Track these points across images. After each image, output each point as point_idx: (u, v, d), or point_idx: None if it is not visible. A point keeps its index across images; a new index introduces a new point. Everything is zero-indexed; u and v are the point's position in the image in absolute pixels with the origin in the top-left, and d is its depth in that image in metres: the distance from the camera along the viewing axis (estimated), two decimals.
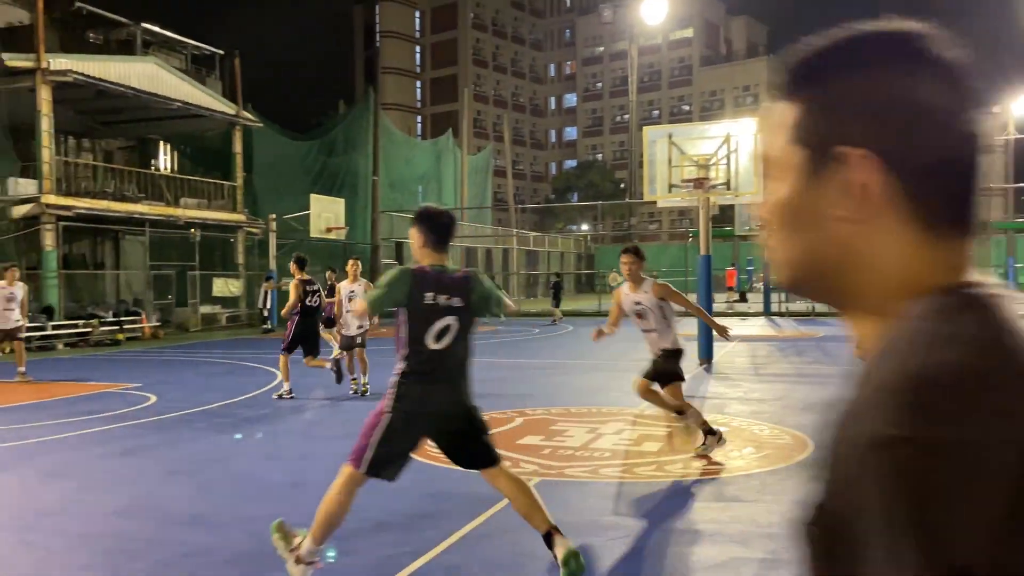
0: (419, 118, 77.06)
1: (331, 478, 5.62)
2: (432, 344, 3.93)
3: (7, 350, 12.53)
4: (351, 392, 10.50)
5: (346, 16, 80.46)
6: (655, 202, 17.68)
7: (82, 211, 21.27)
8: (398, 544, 4.74)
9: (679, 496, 5.75)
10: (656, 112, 75.93)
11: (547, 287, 26.41)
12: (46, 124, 20.42)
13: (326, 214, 25.52)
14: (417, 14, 77.42)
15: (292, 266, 10.60)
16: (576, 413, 9.05)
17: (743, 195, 14.82)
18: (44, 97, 20.31)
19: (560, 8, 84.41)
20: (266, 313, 23.87)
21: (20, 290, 12.14)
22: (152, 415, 9.17)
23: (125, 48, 32.70)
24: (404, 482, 5.73)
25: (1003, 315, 0.63)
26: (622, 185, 64.01)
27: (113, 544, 4.76)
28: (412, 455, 4.12)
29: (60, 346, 18.99)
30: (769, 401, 9.66)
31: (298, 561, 3.96)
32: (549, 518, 4.09)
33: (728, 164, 14.16)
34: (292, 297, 10.27)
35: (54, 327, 19.28)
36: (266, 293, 23.65)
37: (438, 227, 4.05)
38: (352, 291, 10.43)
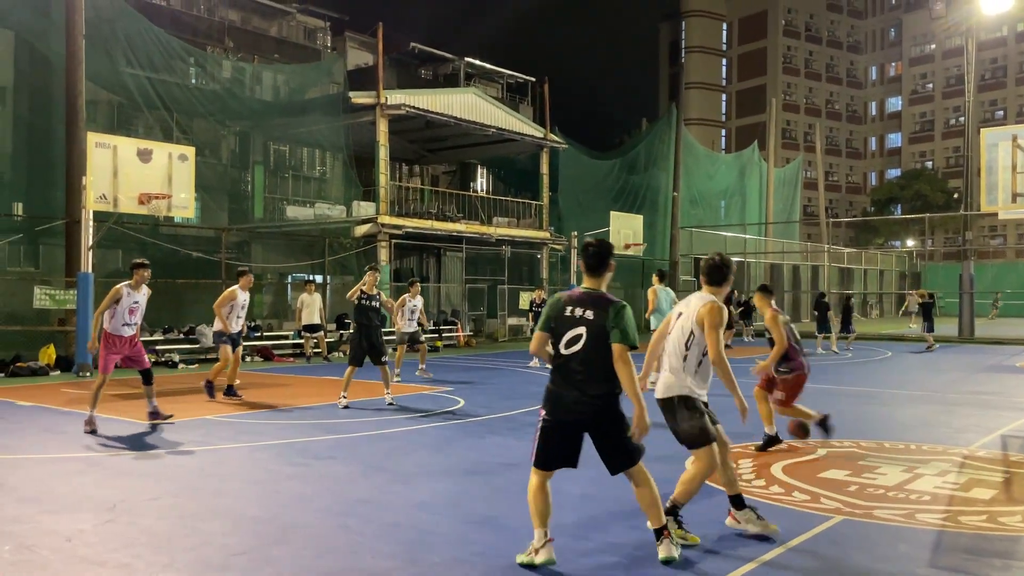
0: (723, 132, 75.34)
1: (624, 494, 5.55)
2: None
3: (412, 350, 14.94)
4: None
5: (652, 34, 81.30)
6: (996, 214, 15.49)
7: (410, 230, 23.65)
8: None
9: (1014, 554, 4.90)
10: (1000, 113, 66.88)
11: (838, 308, 23.81)
12: (383, 153, 23.04)
13: (625, 230, 25.83)
14: (724, 26, 75.93)
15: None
16: (891, 449, 8.15)
17: None
18: (382, 129, 22.94)
19: (883, 7, 77.80)
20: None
21: (419, 301, 14.34)
22: (459, 418, 9.85)
23: (450, 81, 36.00)
24: (696, 506, 5.52)
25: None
26: (956, 195, 57.11)
27: (415, 536, 5.14)
28: None
29: (389, 351, 21.19)
30: None
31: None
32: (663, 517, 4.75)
33: None
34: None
35: (385, 333, 21.56)
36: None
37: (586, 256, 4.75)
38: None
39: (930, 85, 73.19)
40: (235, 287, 11.58)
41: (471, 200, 28.32)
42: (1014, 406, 11.53)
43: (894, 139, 76.52)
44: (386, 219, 22.78)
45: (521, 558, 4.61)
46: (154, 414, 9.31)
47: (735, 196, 40.31)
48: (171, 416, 9.44)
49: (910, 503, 5.98)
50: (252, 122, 24.87)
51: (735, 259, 35.30)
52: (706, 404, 5.13)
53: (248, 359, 18.58)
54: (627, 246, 26.29)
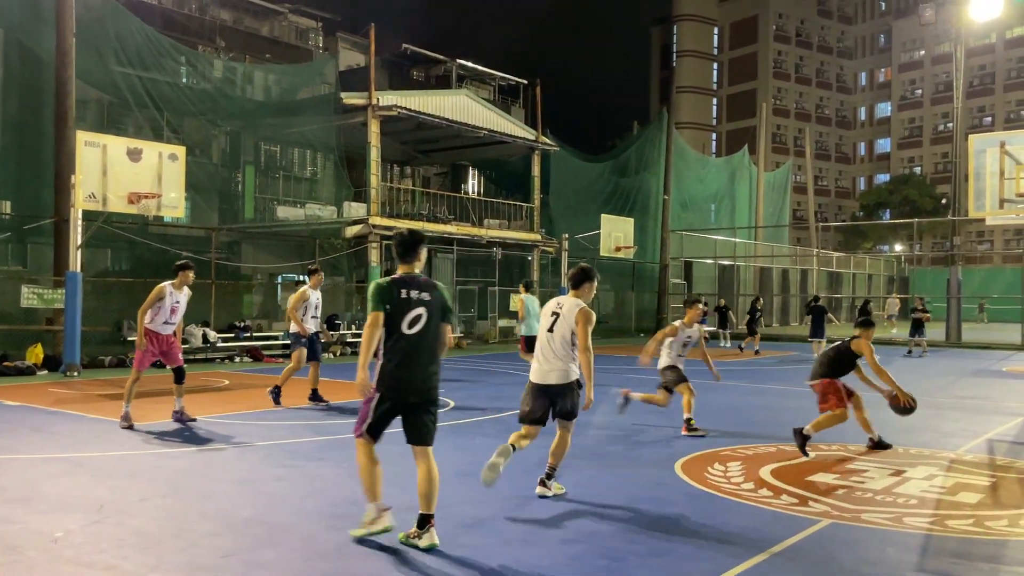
0: (714, 135, 75.64)
1: (616, 498, 5.62)
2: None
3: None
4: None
5: (643, 38, 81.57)
6: (983, 219, 15.63)
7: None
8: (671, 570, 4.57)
9: (1000, 558, 4.94)
10: (988, 119, 67.38)
11: (853, 312, 23.91)
12: (374, 154, 23.01)
13: (616, 233, 25.90)
14: (716, 31, 76.25)
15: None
16: (878, 452, 8.20)
17: None
18: (374, 130, 22.91)
19: (873, 12, 78.29)
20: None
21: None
22: (448, 419, 9.84)
23: (442, 83, 36.00)
24: (684, 509, 5.56)
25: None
26: (944, 201, 57.49)
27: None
28: None
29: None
30: None
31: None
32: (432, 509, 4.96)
33: None
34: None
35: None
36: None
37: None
38: None
39: (919, 91, 73.69)
40: (305, 287, 11.25)
41: (462, 202, 28.33)
42: (1001, 410, 11.62)
43: (883, 144, 76.99)
44: (377, 220, 22.76)
45: (358, 532, 5.03)
46: (180, 414, 9.36)
47: (725, 200, 40.45)
48: (195, 419, 9.44)
49: (898, 506, 6.02)
50: (243, 122, 24.79)
51: (725, 262, 35.60)
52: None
53: (237, 359, 18.53)
54: (618, 248, 26.37)
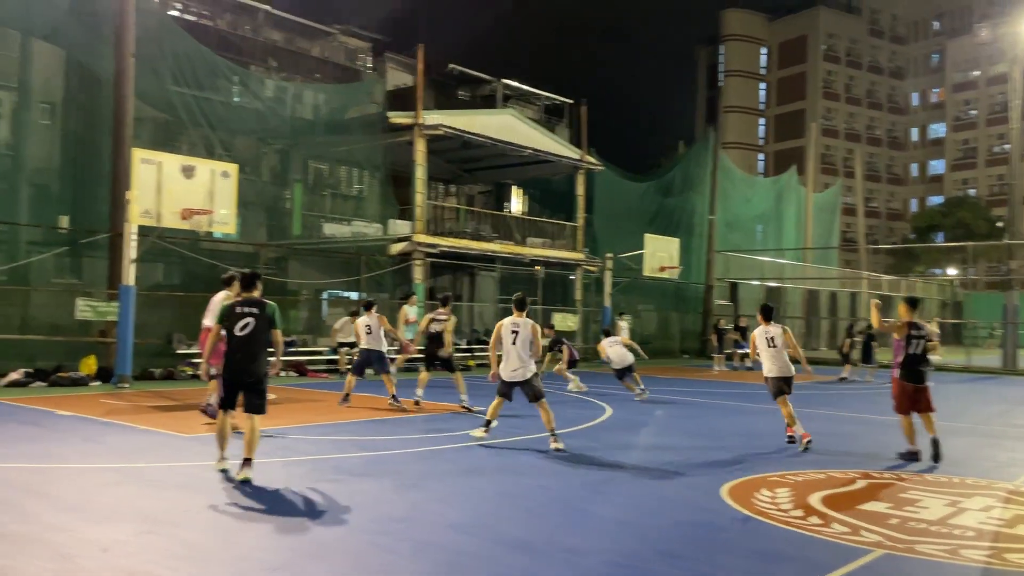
0: (761, 156, 74.85)
1: (661, 520, 5.56)
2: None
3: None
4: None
5: (689, 57, 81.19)
6: None
7: (446, 249, 23.77)
8: None
9: None
10: None
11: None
12: (420, 172, 23.22)
13: (660, 253, 25.72)
14: (763, 51, 75.66)
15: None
16: (933, 481, 7.96)
17: None
18: (420, 149, 23.14)
19: (926, 32, 76.98)
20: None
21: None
22: (493, 438, 9.82)
23: (488, 102, 36.28)
24: (731, 535, 5.46)
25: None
26: (999, 224, 56.05)
27: (449, 556, 5.12)
28: None
29: (422, 369, 21.22)
30: None
31: None
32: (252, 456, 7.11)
33: None
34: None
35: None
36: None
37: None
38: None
39: (974, 112, 72.13)
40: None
41: (506, 220, 28.42)
42: None
43: (936, 166, 75.40)
44: (421, 238, 22.93)
45: (218, 466, 7.33)
46: (209, 407, 10.26)
47: (772, 221, 39.92)
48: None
49: (953, 538, 5.83)
50: (292, 140, 25.23)
51: (772, 284, 35.08)
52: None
53: (283, 374, 18.76)
54: (662, 268, 26.15)
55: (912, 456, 9.02)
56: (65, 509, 5.98)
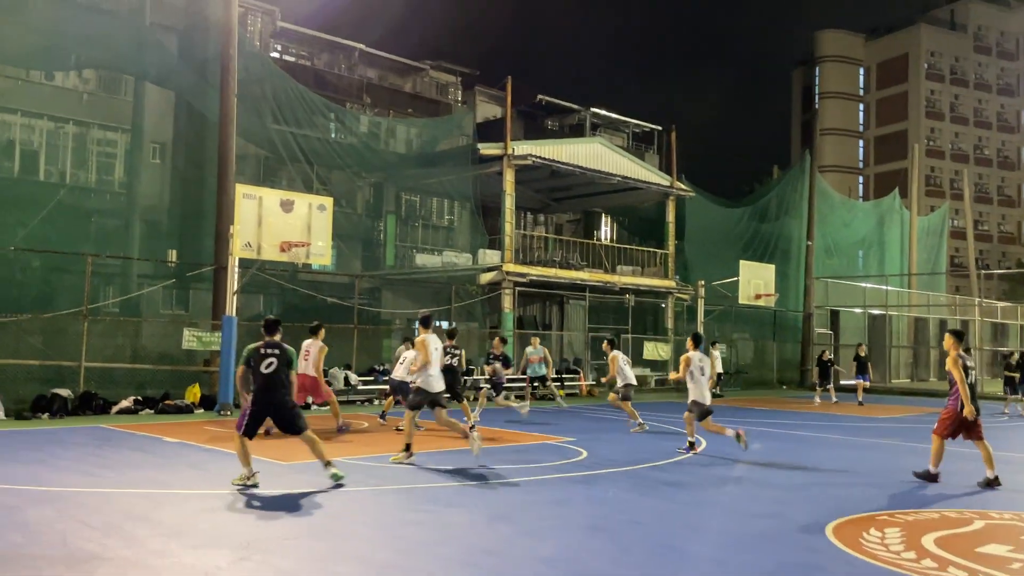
0: (860, 179, 72.35)
1: (761, 560, 5.30)
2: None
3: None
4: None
5: (784, 80, 79.69)
6: None
7: (534, 278, 23.80)
8: None
9: None
10: None
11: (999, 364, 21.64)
12: (509, 202, 23.40)
13: (756, 280, 25.08)
14: (861, 71, 73.47)
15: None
16: None
17: None
18: (508, 179, 23.35)
19: None
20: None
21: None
22: (582, 469, 9.66)
23: (576, 131, 36.39)
24: None
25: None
26: None
27: None
28: None
29: (513, 398, 21.22)
30: None
31: None
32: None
33: None
34: None
35: (508, 380, 21.62)
36: None
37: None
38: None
39: None
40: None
41: (595, 248, 28.28)
42: None
43: None
44: (511, 267, 23.03)
45: (250, 481, 8.02)
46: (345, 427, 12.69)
47: (874, 246, 38.41)
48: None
49: None
50: (386, 173, 25.89)
51: (875, 312, 33.65)
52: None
53: (376, 402, 19.05)
54: (758, 296, 25.48)
55: (933, 479, 9.23)
56: (167, 534, 6.16)
